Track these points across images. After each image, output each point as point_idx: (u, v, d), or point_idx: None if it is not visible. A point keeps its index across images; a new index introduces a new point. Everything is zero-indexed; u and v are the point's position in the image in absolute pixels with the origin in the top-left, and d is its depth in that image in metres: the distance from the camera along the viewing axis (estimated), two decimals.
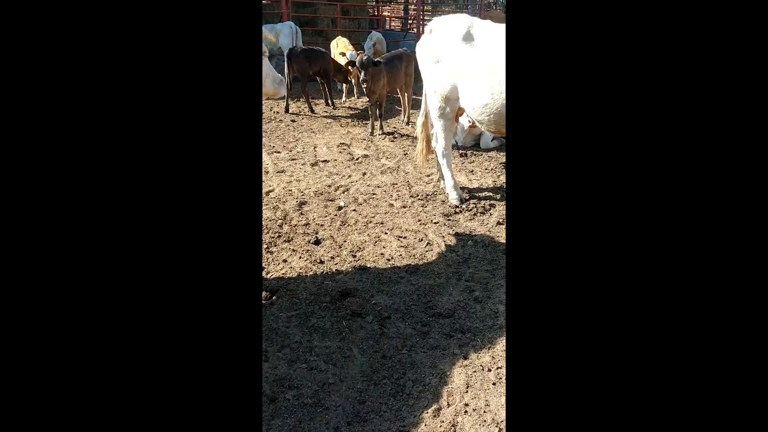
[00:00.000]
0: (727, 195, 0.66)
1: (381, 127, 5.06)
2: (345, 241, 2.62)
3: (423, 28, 13.10)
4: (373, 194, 3.30)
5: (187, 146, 0.73)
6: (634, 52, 0.69)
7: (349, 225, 2.82)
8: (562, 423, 0.69)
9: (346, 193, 3.34)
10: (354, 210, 3.02)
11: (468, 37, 2.52)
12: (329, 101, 6.50)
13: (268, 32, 7.33)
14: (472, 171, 3.78)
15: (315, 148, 4.47)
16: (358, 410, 1.47)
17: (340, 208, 3.07)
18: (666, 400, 0.66)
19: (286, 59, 5.72)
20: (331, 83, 6.45)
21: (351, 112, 6.27)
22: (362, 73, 4.44)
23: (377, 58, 4.85)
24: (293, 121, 5.61)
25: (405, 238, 2.65)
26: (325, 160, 4.08)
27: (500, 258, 2.40)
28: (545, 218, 0.72)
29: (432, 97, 2.86)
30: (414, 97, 5.79)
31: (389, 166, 3.93)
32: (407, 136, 5.00)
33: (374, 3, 18.83)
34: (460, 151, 4.25)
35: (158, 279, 0.71)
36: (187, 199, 0.73)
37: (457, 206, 3.04)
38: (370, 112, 5.10)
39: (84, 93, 0.69)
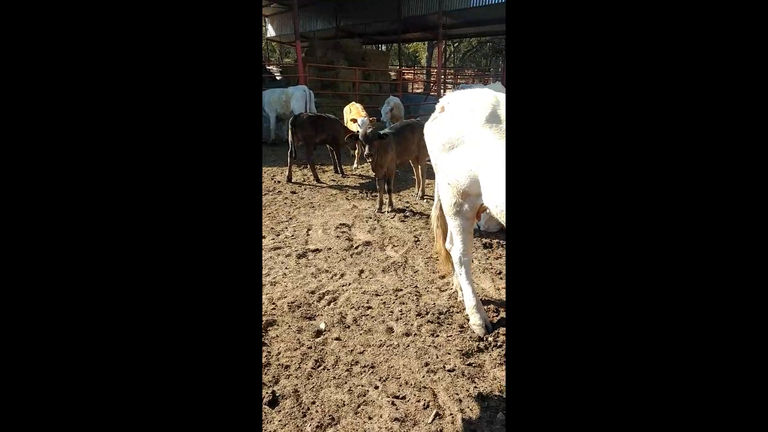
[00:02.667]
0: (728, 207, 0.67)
1: (390, 203, 4.36)
2: (314, 402, 1.76)
3: (444, 91, 13.00)
4: (369, 308, 2.48)
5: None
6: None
7: (326, 368, 1.97)
8: None
9: (332, 304, 2.53)
10: (337, 338, 2.19)
11: (494, 119, 1.81)
12: (338, 169, 5.96)
13: (278, 96, 7.06)
14: (499, 273, 2.92)
15: (309, 230, 3.77)
16: None
17: (319, 332, 2.25)
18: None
19: (290, 126, 5.27)
20: (341, 150, 5.94)
21: (361, 182, 5.67)
22: (366, 148, 3.83)
23: (385, 130, 4.27)
24: (293, 192, 5.01)
25: (403, 400, 1.78)
26: (317, 249, 3.34)
27: None
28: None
29: (445, 191, 2.12)
30: (429, 163, 5.14)
31: (394, 260, 3.14)
32: (420, 214, 4.26)
33: (397, 66, 19.36)
34: (483, 241, 3.44)
35: None
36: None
37: (481, 337, 2.17)
38: (378, 187, 4.44)
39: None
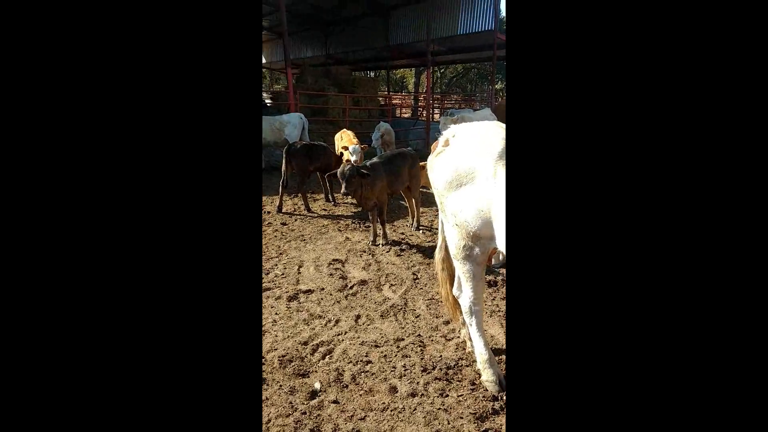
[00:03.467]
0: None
1: (384, 236, 4.16)
2: None
3: (432, 116, 13.07)
4: (368, 362, 2.24)
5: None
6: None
7: None
8: None
9: (328, 358, 2.29)
10: (335, 401, 1.94)
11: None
12: (330, 197, 5.78)
13: (269, 124, 6.91)
14: None
15: (300, 267, 3.53)
16: None
17: (314, 393, 2.00)
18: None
19: (284, 155, 5.09)
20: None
21: (353, 210, 5.48)
22: (343, 185, 3.64)
23: (374, 159, 4.11)
24: (284, 224, 4.79)
25: None
26: (309, 290, 3.10)
27: None
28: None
29: (453, 233, 1.94)
30: (423, 189, 4.96)
31: (393, 302, 2.92)
32: (417, 247, 4.07)
33: (385, 92, 19.61)
34: (488, 278, 3.25)
35: None
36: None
37: (495, 396, 1.95)
38: (370, 218, 4.25)
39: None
